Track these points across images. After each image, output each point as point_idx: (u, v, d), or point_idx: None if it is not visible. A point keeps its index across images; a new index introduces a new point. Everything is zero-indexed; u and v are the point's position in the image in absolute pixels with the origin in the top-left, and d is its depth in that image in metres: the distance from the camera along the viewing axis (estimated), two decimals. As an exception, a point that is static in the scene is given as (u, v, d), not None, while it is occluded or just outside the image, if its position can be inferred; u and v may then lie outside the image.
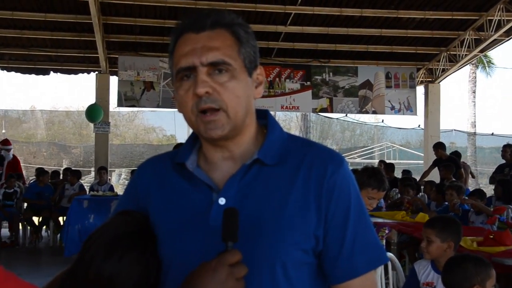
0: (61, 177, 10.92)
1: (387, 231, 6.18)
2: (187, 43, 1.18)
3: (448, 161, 9.28)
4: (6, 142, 10.81)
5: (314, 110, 12.23)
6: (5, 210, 9.23)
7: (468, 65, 17.53)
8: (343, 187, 1.20)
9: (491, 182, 9.57)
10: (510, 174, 8.56)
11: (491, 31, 10.34)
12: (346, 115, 14.36)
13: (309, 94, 11.79)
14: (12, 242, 9.29)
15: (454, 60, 11.79)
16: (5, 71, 12.04)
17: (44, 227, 9.85)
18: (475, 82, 23.30)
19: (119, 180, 21.96)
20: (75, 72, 12.29)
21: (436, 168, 9.74)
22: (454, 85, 59.78)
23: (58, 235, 9.50)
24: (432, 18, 10.62)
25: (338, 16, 10.45)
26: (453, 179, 8.26)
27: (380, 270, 3.06)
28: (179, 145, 10.99)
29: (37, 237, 9.51)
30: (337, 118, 21.08)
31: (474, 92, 23.21)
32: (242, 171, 1.20)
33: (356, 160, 23.07)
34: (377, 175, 3.34)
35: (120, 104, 11.48)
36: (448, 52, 11.85)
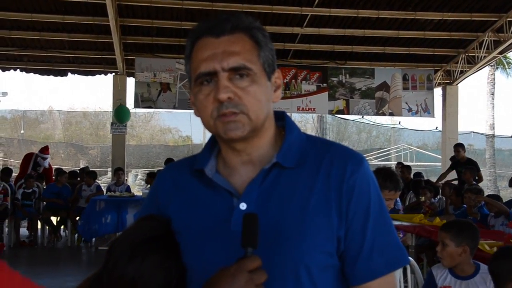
0: (78, 178, 11.03)
1: (401, 235, 6.15)
2: (206, 47, 1.17)
3: (468, 163, 9.20)
4: (44, 150, 10.99)
5: (331, 112, 12.19)
6: (24, 210, 9.34)
7: (487, 66, 17.34)
8: (363, 187, 1.19)
9: (510, 185, 9.46)
10: None
11: (511, 33, 10.23)
12: (363, 117, 14.28)
13: (325, 96, 11.77)
14: (31, 241, 9.41)
15: (472, 62, 11.68)
16: (24, 72, 12.20)
17: (62, 227, 9.96)
18: (494, 84, 23.04)
19: (135, 181, 22.10)
20: (93, 73, 12.41)
21: (454, 170, 9.68)
22: (472, 86, 59.13)
23: (76, 235, 9.60)
24: (450, 19, 10.55)
25: (355, 18, 10.42)
26: (474, 183, 8.19)
27: (399, 273, 3.04)
28: (169, 160, 11.05)
29: (55, 237, 9.62)
30: (353, 120, 21.00)
31: (493, 93, 22.95)
32: (262, 175, 1.20)
33: (373, 161, 22.93)
34: (392, 177, 3.32)
35: (136, 105, 11.55)
36: (467, 54, 11.74)
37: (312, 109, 11.95)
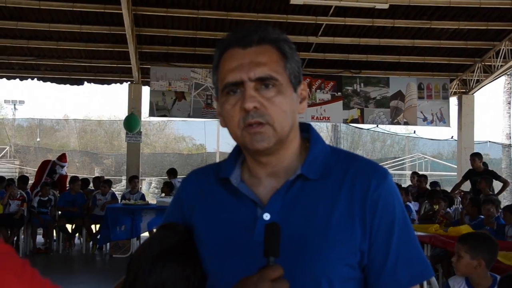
0: (90, 185, 11.12)
1: None
2: (234, 58, 1.19)
3: (485, 173, 9.11)
4: (62, 158, 11.09)
5: (345, 121, 12.17)
6: (40, 217, 9.43)
7: (504, 75, 17.20)
8: (388, 201, 1.20)
9: None
10: None
11: (528, 42, 10.17)
12: (377, 126, 14.22)
13: (340, 105, 11.76)
14: (46, 249, 9.49)
15: (489, 71, 11.60)
16: (41, 81, 12.36)
17: (77, 234, 10.04)
18: (511, 93, 22.83)
19: (149, 189, 22.21)
20: (108, 82, 12.53)
21: (468, 180, 9.59)
22: (489, 95, 58.65)
23: (91, 243, 9.66)
24: (466, 28, 10.50)
25: (370, 27, 10.41)
26: (490, 193, 8.11)
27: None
28: (172, 170, 11.09)
29: (70, 244, 9.69)
30: (367, 129, 20.92)
31: (509, 103, 22.72)
32: (286, 186, 1.21)
33: (387, 171, 22.77)
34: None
35: (151, 113, 11.64)
36: (483, 63, 11.67)
37: (327, 118, 11.94)
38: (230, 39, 1.22)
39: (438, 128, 12.59)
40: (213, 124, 18.60)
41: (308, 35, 10.72)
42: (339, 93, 11.75)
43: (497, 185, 9.72)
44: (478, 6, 9.58)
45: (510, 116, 22.64)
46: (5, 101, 28.46)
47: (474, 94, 12.57)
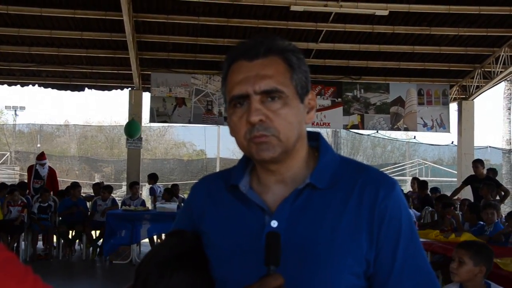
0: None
1: None
2: (240, 70, 1.20)
3: (487, 180, 9.07)
4: (40, 157, 11.01)
5: (345, 127, 12.18)
6: (41, 223, 9.43)
7: (503, 81, 17.23)
8: (395, 211, 1.21)
9: None
10: None
11: (528, 48, 10.20)
12: (377, 132, 14.24)
13: (340, 111, 11.78)
14: (46, 255, 9.48)
15: (488, 77, 11.62)
16: (42, 87, 12.39)
17: (77, 240, 10.03)
18: (511, 99, 22.84)
19: (149, 195, 22.16)
20: (109, 88, 12.56)
21: (468, 186, 9.57)
22: (489, 101, 58.67)
23: (91, 249, 9.65)
24: (466, 35, 10.53)
25: (370, 33, 10.45)
26: (491, 199, 8.08)
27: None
28: (153, 175, 11.09)
29: (70, 250, 9.68)
30: (368, 135, 20.93)
31: (509, 109, 22.74)
32: (294, 194, 1.22)
33: (387, 177, 22.74)
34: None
35: (152, 119, 11.66)
36: (483, 69, 11.69)
37: (327, 124, 11.96)
38: (238, 51, 1.23)
39: (438, 134, 12.60)
40: (213, 130, 18.62)
41: (308, 41, 10.75)
42: (339, 99, 11.78)
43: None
44: (477, 12, 9.61)
45: (510, 121, 22.65)
46: (6, 107, 28.47)
47: (474, 100, 12.58)
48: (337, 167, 1.26)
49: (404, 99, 11.94)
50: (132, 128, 11.07)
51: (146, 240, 9.48)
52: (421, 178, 12.89)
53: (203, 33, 10.46)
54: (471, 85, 12.24)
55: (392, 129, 12.24)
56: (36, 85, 12.29)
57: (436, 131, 12.19)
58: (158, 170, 23.63)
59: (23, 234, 9.25)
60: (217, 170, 20.32)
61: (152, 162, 24.25)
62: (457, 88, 12.58)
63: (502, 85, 21.68)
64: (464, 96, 12.59)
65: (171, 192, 10.46)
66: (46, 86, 12.34)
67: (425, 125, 12.06)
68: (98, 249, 9.69)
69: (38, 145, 24.07)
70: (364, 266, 1.19)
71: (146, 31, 10.54)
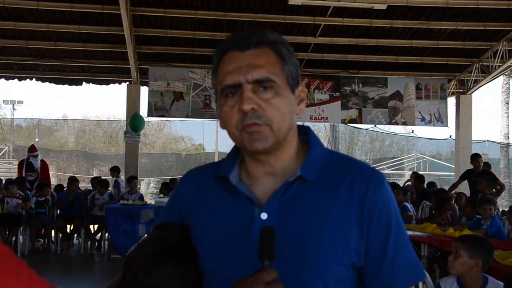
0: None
1: None
2: (232, 61, 1.21)
3: (484, 174, 9.10)
4: (31, 149, 10.98)
5: (343, 121, 12.19)
6: (39, 218, 9.43)
7: (501, 75, 17.25)
8: (384, 205, 1.22)
9: None
10: None
11: (526, 42, 10.20)
12: (375, 126, 14.26)
13: (338, 105, 11.78)
14: (44, 249, 9.49)
15: (486, 71, 11.63)
16: (39, 81, 12.36)
17: (76, 235, 10.04)
18: (509, 93, 22.87)
19: (148, 189, 22.19)
20: (107, 82, 12.54)
21: (466, 181, 9.58)
22: (487, 95, 58.69)
23: (89, 243, 9.67)
24: (464, 29, 10.53)
25: (368, 27, 10.44)
26: (488, 193, 8.10)
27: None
28: (115, 168, 10.98)
29: (68, 244, 9.68)
30: (366, 129, 20.95)
31: (507, 103, 22.78)
32: (284, 187, 1.22)
33: (386, 171, 22.84)
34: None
35: (150, 114, 11.65)
36: (481, 63, 11.70)
37: (325, 118, 11.96)
38: (229, 42, 1.24)
39: (436, 128, 12.61)
40: (211, 124, 18.62)
41: (306, 36, 10.74)
42: (337, 93, 11.77)
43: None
44: (475, 6, 9.60)
45: (508, 116, 22.70)
46: (4, 101, 28.41)
47: (472, 94, 12.60)
48: (326, 160, 1.27)
49: (402, 93, 11.94)
50: (137, 121, 11.07)
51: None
52: (419, 172, 12.94)
53: (201, 27, 10.44)
54: (469, 79, 12.25)
55: (390, 123, 12.24)
56: (34, 79, 12.26)
57: (434, 126, 12.20)
58: (156, 164, 23.69)
59: (21, 228, 9.25)
60: (215, 164, 20.27)
61: (151, 157, 24.27)
62: (455, 82, 12.58)
63: (501, 79, 21.73)
64: (462, 90, 12.60)
65: (169, 187, 10.46)
66: (43, 80, 12.30)
67: (423, 119, 12.06)
68: (96, 243, 9.70)
69: (36, 140, 24.05)
70: (354, 258, 1.20)
71: (144, 25, 10.51)
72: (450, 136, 15.26)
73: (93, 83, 12.50)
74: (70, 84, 12.45)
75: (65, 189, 10.54)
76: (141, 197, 10.17)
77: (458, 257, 3.33)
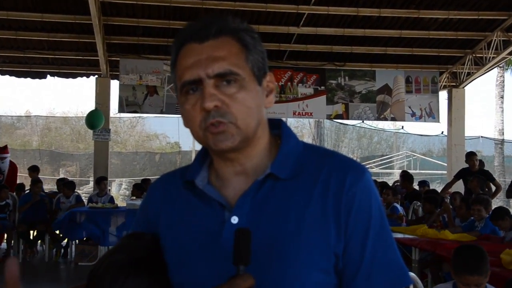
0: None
1: None
2: (190, 54, 1.18)
3: (480, 173, 9.17)
4: (2, 150, 10.80)
5: (329, 117, 12.22)
6: (-1, 223, 9.26)
7: (496, 68, 17.45)
8: (364, 200, 1.19)
9: (508, 196, 9.50)
10: None
11: (521, 32, 10.32)
12: (363, 122, 14.33)
13: (323, 100, 11.80)
14: (5, 257, 9.32)
15: (480, 63, 11.74)
16: (-1, 74, 12.17)
17: (40, 241, 9.89)
18: (503, 86, 23.17)
19: (119, 191, 22.02)
20: (74, 75, 12.40)
21: (461, 180, 9.66)
22: (480, 89, 59.45)
23: (54, 250, 9.54)
24: (457, 18, 10.61)
25: (355, 17, 10.47)
26: (481, 192, 8.18)
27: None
28: (34, 168, 10.67)
29: (31, 252, 9.54)
30: (353, 125, 21.04)
31: (502, 97, 23.09)
32: (255, 186, 1.20)
33: (374, 170, 22.97)
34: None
35: (121, 109, 11.54)
36: (474, 55, 11.81)
37: (309, 114, 11.97)
38: (186, 33, 1.21)
39: (427, 124, 12.71)
40: (188, 120, 18.50)
41: (289, 25, 10.73)
42: (323, 87, 11.79)
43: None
44: (468, -6, 9.70)
45: (503, 110, 23.00)
46: (-40, 96, 27.93)
47: (465, 88, 12.72)
48: (300, 155, 1.25)
49: (391, 87, 12.01)
50: (94, 118, 10.90)
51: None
52: (410, 171, 13.01)
53: (176, 16, 10.37)
54: (462, 72, 12.35)
55: (378, 119, 12.29)
56: (-7, 71, 12.08)
57: (425, 121, 12.30)
58: (129, 164, 23.51)
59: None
60: (192, 163, 20.26)
61: (122, 155, 24.09)
62: (447, 75, 12.68)
63: (495, 72, 21.99)
64: (454, 84, 12.71)
65: (142, 188, 10.37)
66: (3, 73, 12.15)
67: (413, 114, 12.15)
68: (62, 250, 9.58)
69: (-3, 138, 23.68)
70: (333, 260, 1.17)
71: (114, 13, 10.39)
72: (442, 132, 15.42)
73: (59, 76, 12.35)
74: (33, 78, 12.30)
75: (27, 191, 10.38)
76: (111, 200, 10.07)
77: (481, 285, 3.42)
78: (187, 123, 1.22)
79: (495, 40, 11.02)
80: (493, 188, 9.38)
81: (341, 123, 19.29)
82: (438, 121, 12.41)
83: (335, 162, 1.23)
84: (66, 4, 9.87)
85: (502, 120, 22.95)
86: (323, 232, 1.17)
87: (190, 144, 21.42)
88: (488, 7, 10.34)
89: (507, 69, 23.32)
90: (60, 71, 12.24)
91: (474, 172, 9.27)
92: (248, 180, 1.22)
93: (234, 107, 1.15)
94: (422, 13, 10.38)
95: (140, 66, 11.36)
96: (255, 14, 10.07)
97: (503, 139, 22.52)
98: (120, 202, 14.06)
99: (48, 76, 12.27)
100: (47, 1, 9.75)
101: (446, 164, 14.32)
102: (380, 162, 24.29)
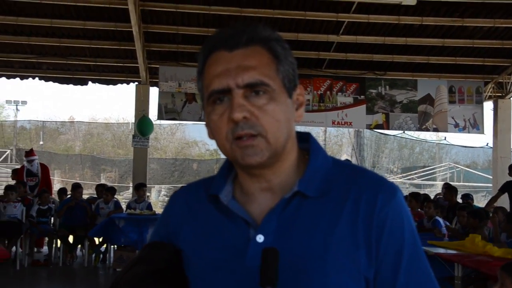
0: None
1: None
2: (219, 62, 1.14)
3: None
4: (28, 154, 10.98)
5: (369, 127, 12.07)
6: (40, 227, 9.45)
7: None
8: (396, 221, 1.15)
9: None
10: None
11: None
12: (404, 132, 14.12)
13: (363, 109, 11.65)
14: (46, 261, 9.50)
15: (527, 73, 11.43)
16: (42, 80, 12.46)
17: (79, 246, 10.03)
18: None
19: (158, 197, 22.24)
20: (114, 82, 12.59)
21: (506, 194, 9.37)
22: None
23: (93, 255, 9.65)
24: (503, 26, 10.36)
25: (396, 25, 10.34)
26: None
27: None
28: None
29: (71, 256, 9.69)
30: (394, 135, 20.74)
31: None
32: (282, 204, 1.16)
33: (415, 181, 22.60)
34: None
35: (160, 116, 11.64)
36: (521, 64, 11.51)
37: (349, 123, 11.83)
38: (215, 40, 1.17)
39: (471, 135, 12.42)
40: (226, 128, 18.58)
41: (328, 34, 10.65)
42: (362, 97, 11.64)
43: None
44: (515, 2, 9.43)
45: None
46: (7, 102, 28.80)
47: (511, 98, 12.37)
48: (329, 171, 1.20)
49: (434, 97, 11.77)
50: (145, 125, 11.07)
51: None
52: (452, 183, 12.70)
53: (215, 23, 10.40)
54: (508, 82, 12.07)
55: (420, 129, 12.09)
56: (37, 78, 12.37)
57: (469, 132, 12.04)
58: (168, 170, 23.74)
59: (21, 238, 9.28)
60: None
61: (162, 162, 24.36)
62: (493, 85, 12.38)
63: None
64: (500, 94, 12.40)
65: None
66: (47, 79, 12.40)
67: (456, 125, 11.88)
68: (101, 255, 9.68)
69: (41, 143, 24.32)
70: (362, 285, 1.13)
71: (154, 21, 10.51)
72: (487, 144, 15.02)
73: (100, 82, 12.57)
74: (75, 84, 12.53)
75: (68, 195, 10.57)
76: (149, 206, 10.14)
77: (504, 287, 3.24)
78: (212, 134, 1.18)
79: (543, 49, 10.69)
80: None
81: (381, 133, 19.03)
82: (483, 133, 12.11)
83: (366, 181, 1.18)
84: (108, 12, 10.04)
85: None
86: (353, 254, 1.12)
87: (228, 152, 21.48)
88: (536, 15, 10.05)
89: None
90: (101, 78, 12.45)
91: None
92: (274, 196, 1.18)
93: (263, 119, 1.12)
94: (466, 22, 10.17)
95: (179, 74, 11.43)
96: (294, 22, 10.02)
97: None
98: (159, 209, 14.16)
99: (90, 82, 12.48)
100: (88, 8, 9.93)
101: (491, 177, 13.94)
102: (421, 174, 23.87)
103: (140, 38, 10.18)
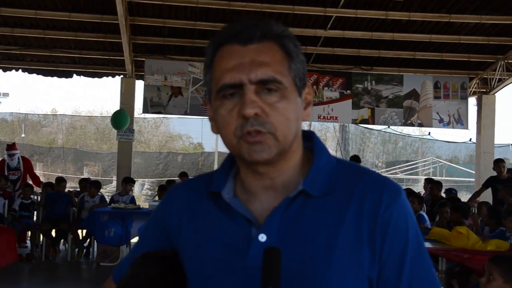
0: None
1: None
2: (232, 56, 1.12)
3: (508, 181, 8.99)
4: (10, 147, 10.77)
5: (354, 121, 12.11)
6: (22, 221, 9.34)
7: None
8: (400, 221, 1.15)
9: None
10: None
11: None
12: (389, 127, 14.19)
13: (349, 104, 11.68)
14: (28, 255, 9.40)
15: (512, 69, 11.55)
16: (26, 73, 12.31)
17: (62, 240, 9.94)
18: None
19: (142, 191, 22.14)
20: (99, 75, 12.49)
21: (490, 188, 9.47)
22: (511, 95, 58.57)
23: (76, 250, 9.58)
24: (489, 23, 10.44)
25: (383, 20, 10.36)
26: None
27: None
28: (183, 174, 10.81)
29: (54, 251, 9.60)
30: (378, 130, 20.87)
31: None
32: (285, 203, 1.14)
33: (398, 175, 22.76)
34: None
35: (145, 110, 11.58)
36: (506, 61, 11.64)
37: (334, 118, 11.87)
38: (227, 33, 1.15)
39: (454, 130, 12.53)
40: (211, 122, 18.54)
41: (316, 28, 10.65)
42: (349, 91, 11.68)
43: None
44: (501, -1, 9.52)
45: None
46: (-12, 93, 28.41)
47: (496, 94, 12.53)
48: (333, 171, 1.20)
49: (419, 92, 11.85)
50: (119, 118, 10.94)
51: (136, 239, 9.40)
52: (435, 178, 12.82)
53: (202, 17, 10.36)
54: (493, 78, 12.16)
55: (405, 124, 12.17)
56: (20, 70, 12.21)
57: (453, 127, 12.15)
58: (151, 163, 23.61)
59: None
60: (215, 164, 20.38)
61: (146, 155, 24.22)
62: (477, 81, 12.48)
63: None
64: (484, 90, 12.51)
65: (166, 189, 10.36)
66: (30, 71, 12.26)
67: (441, 120, 11.98)
68: (84, 250, 9.61)
69: (23, 135, 24.03)
70: (366, 285, 1.13)
71: (140, 13, 10.42)
72: (470, 139, 15.15)
73: (84, 75, 12.44)
74: (60, 77, 12.40)
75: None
76: (132, 200, 10.07)
77: (492, 280, 3.29)
78: (219, 129, 1.16)
79: (528, 46, 10.80)
80: None
81: (366, 128, 19.14)
82: (467, 128, 12.22)
83: (370, 181, 1.18)
84: (93, 3, 9.93)
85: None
86: (356, 254, 1.12)
87: (212, 145, 21.49)
88: (522, 12, 10.14)
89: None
90: (86, 70, 12.33)
91: (503, 180, 9.12)
92: (277, 195, 1.17)
93: (274, 116, 1.10)
94: (453, 18, 10.23)
95: (165, 67, 11.37)
96: (282, 16, 10.00)
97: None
98: (142, 202, 14.12)
99: (74, 75, 12.37)
100: (74, 0, 9.81)
101: (473, 172, 14.09)
102: (405, 168, 24.05)
103: (127, 30, 10.10)
